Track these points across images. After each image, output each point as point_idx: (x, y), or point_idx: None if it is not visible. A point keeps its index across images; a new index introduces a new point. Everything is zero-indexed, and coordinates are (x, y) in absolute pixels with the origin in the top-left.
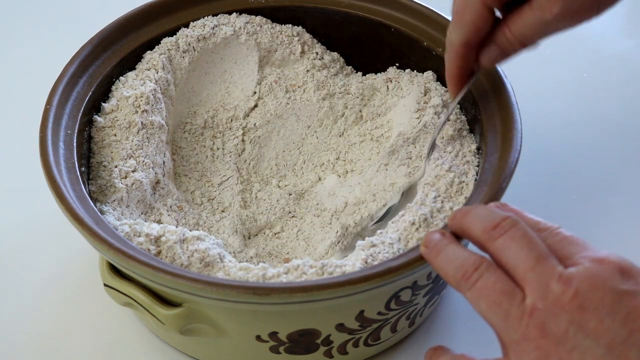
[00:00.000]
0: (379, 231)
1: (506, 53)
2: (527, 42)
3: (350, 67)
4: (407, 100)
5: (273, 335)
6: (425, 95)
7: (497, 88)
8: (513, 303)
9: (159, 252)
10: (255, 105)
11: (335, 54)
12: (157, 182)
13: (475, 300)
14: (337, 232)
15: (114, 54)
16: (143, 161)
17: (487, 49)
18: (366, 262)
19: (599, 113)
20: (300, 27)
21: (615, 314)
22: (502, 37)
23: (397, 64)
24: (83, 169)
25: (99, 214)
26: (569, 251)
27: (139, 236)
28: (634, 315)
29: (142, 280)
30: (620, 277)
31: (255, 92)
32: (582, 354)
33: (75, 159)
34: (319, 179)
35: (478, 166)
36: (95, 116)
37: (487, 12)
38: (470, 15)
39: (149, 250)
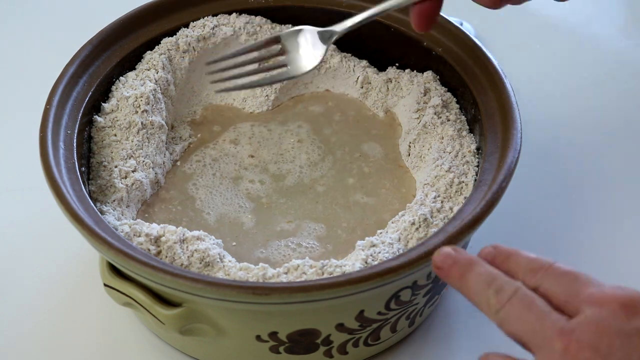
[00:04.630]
0: (379, 231)
1: None
2: None
3: None
4: (407, 100)
5: (273, 335)
6: (425, 95)
7: (497, 88)
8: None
9: (159, 252)
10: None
11: None
12: (157, 182)
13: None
14: None
15: (114, 54)
16: (143, 161)
17: None
18: (366, 262)
19: (598, 113)
20: None
21: (629, 357)
22: None
23: (397, 64)
24: (83, 169)
25: (99, 214)
26: (568, 292)
27: (139, 236)
28: None
29: (142, 280)
30: (625, 316)
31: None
32: None
33: (75, 159)
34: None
35: (478, 166)
36: (95, 116)
37: None
38: None
39: (149, 250)
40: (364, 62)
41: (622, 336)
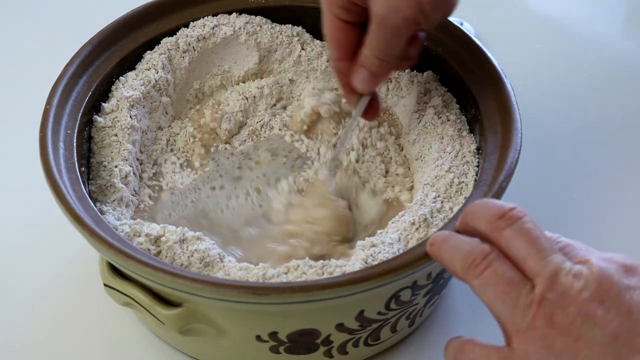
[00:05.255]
0: (379, 231)
1: (373, 73)
2: (384, 57)
3: None
4: (407, 100)
5: (273, 335)
6: (425, 95)
7: (497, 88)
8: (522, 292)
9: (159, 252)
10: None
11: None
12: None
13: (482, 289)
14: None
15: (114, 54)
16: None
17: (356, 71)
18: (366, 262)
19: (598, 113)
20: (300, 27)
21: (620, 306)
22: (361, 55)
23: None
24: (83, 169)
25: (99, 214)
26: (575, 254)
27: (139, 236)
28: (638, 308)
29: (142, 280)
30: (625, 273)
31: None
32: (588, 343)
33: (75, 159)
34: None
35: (478, 166)
36: (95, 116)
37: (342, 25)
38: (329, 30)
39: (149, 250)
40: None
41: (620, 288)
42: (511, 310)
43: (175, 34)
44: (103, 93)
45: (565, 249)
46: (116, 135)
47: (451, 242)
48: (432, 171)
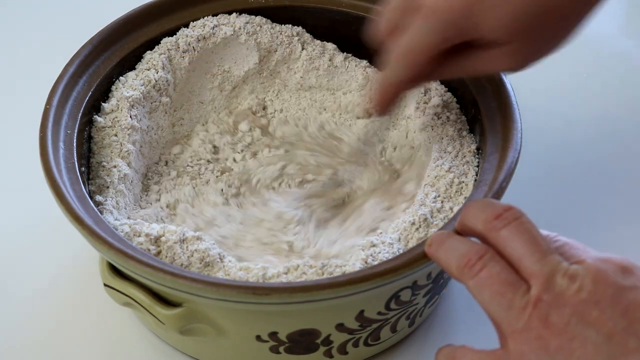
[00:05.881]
0: (379, 231)
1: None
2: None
3: None
4: (407, 100)
5: (273, 335)
6: (425, 95)
7: (497, 88)
8: (517, 293)
9: (159, 252)
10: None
11: None
12: None
13: (477, 290)
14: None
15: (114, 54)
16: None
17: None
18: (366, 262)
19: (598, 113)
20: (300, 27)
21: (615, 306)
22: (436, 73)
23: None
24: (83, 169)
25: (99, 214)
26: (572, 254)
27: (139, 236)
28: (633, 307)
29: (142, 280)
30: (622, 274)
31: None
32: (583, 343)
33: (75, 159)
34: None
35: (478, 166)
36: (95, 116)
37: (436, 57)
38: (419, 58)
39: (149, 250)
40: (364, 62)
41: (616, 288)
42: (506, 311)
43: (175, 34)
44: (103, 93)
45: (562, 248)
46: (116, 135)
47: (448, 242)
48: (432, 171)
